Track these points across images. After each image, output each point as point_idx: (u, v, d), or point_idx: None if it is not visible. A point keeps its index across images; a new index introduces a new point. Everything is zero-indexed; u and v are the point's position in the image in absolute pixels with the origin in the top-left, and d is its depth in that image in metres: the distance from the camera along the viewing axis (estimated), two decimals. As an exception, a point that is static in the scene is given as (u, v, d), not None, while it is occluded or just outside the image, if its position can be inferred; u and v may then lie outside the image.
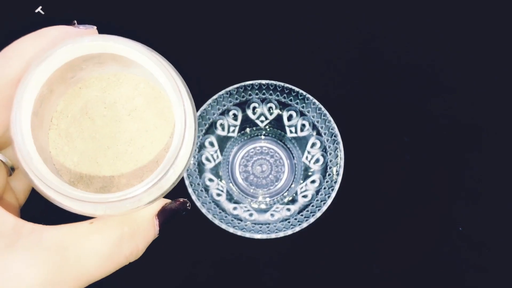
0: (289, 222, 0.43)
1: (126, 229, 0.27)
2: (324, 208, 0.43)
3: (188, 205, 0.30)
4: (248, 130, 0.48)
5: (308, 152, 0.47)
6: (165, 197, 0.28)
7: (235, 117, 0.47)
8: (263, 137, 0.48)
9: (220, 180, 0.46)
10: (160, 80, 0.28)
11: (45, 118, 0.29)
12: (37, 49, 0.26)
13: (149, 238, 0.28)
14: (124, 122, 0.30)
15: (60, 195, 0.25)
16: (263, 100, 0.47)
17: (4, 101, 0.25)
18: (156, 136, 0.30)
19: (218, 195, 0.45)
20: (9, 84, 0.25)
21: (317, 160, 0.46)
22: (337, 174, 0.44)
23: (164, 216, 0.29)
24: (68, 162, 0.29)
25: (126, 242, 0.26)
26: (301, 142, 0.47)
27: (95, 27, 0.29)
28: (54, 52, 0.27)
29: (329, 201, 0.43)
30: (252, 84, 0.46)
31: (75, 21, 0.29)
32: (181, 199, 0.29)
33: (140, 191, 0.26)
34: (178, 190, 0.44)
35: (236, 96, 0.46)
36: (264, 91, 0.46)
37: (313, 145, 0.47)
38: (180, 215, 0.29)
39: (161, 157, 0.30)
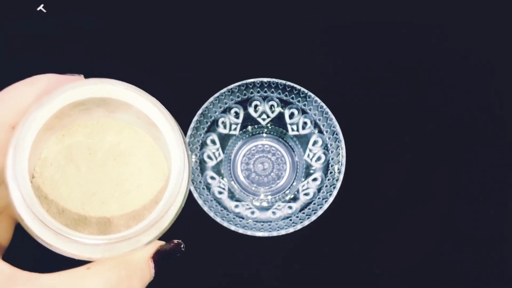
0: (290, 220, 0.43)
1: (123, 272, 0.27)
2: (326, 206, 0.43)
3: (182, 246, 0.30)
4: (249, 128, 0.48)
5: (310, 150, 0.47)
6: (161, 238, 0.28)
7: (236, 115, 0.47)
8: (264, 135, 0.48)
9: (222, 178, 0.46)
10: (158, 123, 0.29)
11: (29, 165, 0.29)
12: (31, 95, 0.27)
13: (145, 280, 0.28)
14: (109, 167, 0.31)
15: (61, 238, 0.25)
16: (264, 98, 0.47)
17: None
18: (142, 179, 0.31)
19: (220, 193, 0.45)
20: (3, 129, 0.25)
21: (318, 158, 0.46)
22: (339, 172, 0.44)
23: (159, 258, 0.29)
24: (53, 210, 0.29)
25: (123, 285, 0.26)
26: (303, 140, 0.47)
27: (82, 75, 0.29)
28: (58, 96, 0.27)
29: (330, 199, 0.43)
30: (253, 82, 0.46)
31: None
32: (176, 241, 0.30)
33: (140, 231, 0.26)
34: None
35: (237, 94, 0.46)
36: (265, 89, 0.46)
37: (315, 143, 0.47)
38: (174, 256, 0.30)
39: (148, 200, 0.30)
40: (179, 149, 0.28)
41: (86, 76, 0.47)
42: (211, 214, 0.42)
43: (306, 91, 0.46)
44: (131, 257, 0.27)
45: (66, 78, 0.28)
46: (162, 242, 0.29)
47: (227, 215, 0.43)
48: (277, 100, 0.47)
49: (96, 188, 0.30)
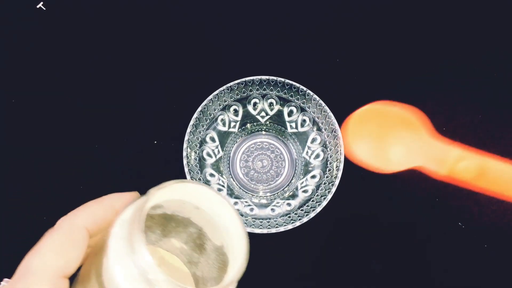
0: (289, 217, 0.43)
1: None
2: (325, 203, 0.43)
3: None
4: (248, 125, 0.48)
5: (309, 148, 0.47)
6: None
7: (236, 112, 0.47)
8: (263, 132, 0.48)
9: (221, 175, 0.46)
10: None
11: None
12: (100, 210, 0.28)
13: None
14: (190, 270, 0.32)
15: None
16: (263, 96, 0.47)
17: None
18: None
19: (219, 190, 0.45)
20: (81, 231, 0.26)
21: (317, 156, 0.46)
22: (337, 169, 0.44)
23: None
24: None
25: None
26: (302, 138, 0.47)
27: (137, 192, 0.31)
28: (161, 189, 0.27)
29: (329, 196, 0.43)
30: (252, 80, 0.46)
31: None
32: None
33: None
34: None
35: (237, 91, 0.46)
36: (264, 86, 0.46)
37: (313, 140, 0.47)
38: None
39: None
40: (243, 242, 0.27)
41: (90, 75, 0.47)
42: (211, 211, 0.42)
43: (305, 89, 0.46)
44: None
45: (127, 194, 0.29)
46: None
47: (226, 212, 0.43)
48: (276, 97, 0.47)
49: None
